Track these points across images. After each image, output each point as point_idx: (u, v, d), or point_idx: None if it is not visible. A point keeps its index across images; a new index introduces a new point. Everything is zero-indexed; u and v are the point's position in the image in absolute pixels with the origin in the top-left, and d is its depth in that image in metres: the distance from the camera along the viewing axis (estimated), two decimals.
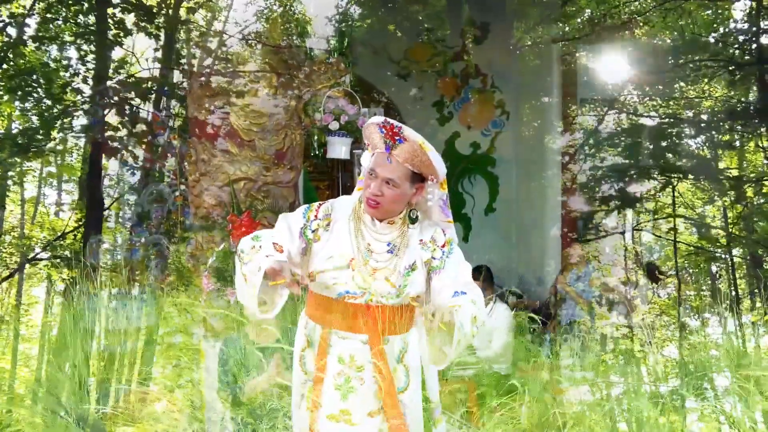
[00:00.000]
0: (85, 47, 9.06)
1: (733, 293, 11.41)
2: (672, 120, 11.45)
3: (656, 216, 12.30)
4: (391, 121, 2.45)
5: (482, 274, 5.58)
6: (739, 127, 11.38)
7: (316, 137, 6.25)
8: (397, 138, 2.44)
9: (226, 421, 3.90)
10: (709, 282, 12.36)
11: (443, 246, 2.54)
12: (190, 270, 5.81)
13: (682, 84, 11.57)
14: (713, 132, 11.64)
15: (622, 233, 11.66)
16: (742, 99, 11.10)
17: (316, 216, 2.56)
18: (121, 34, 8.89)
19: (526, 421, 3.36)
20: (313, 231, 2.54)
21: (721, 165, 12.78)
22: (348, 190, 7.03)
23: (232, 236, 5.52)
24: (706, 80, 11.34)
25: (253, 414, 3.76)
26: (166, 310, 5.25)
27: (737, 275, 12.26)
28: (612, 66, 11.27)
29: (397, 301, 2.47)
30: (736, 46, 10.72)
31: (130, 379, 4.55)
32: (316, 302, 2.52)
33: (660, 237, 12.74)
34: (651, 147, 11.23)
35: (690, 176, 11.84)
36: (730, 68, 10.67)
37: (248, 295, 2.42)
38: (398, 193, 2.48)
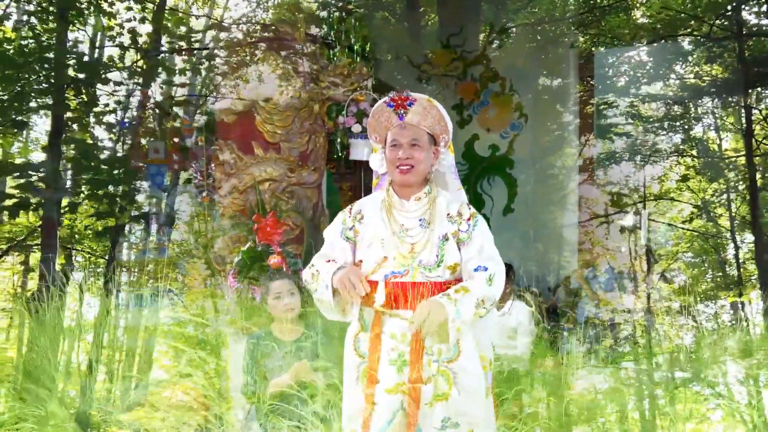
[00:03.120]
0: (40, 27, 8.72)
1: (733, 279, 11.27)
2: (670, 102, 11.36)
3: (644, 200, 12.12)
4: (397, 92, 2.71)
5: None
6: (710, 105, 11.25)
7: (339, 140, 6.38)
8: (407, 102, 2.69)
9: (252, 416, 3.98)
10: (711, 268, 12.19)
11: (468, 219, 2.66)
12: (216, 268, 5.95)
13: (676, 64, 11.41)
14: (715, 111, 11.52)
15: (615, 214, 11.58)
16: (721, 75, 10.94)
17: (350, 214, 2.77)
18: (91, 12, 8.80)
19: (544, 415, 3.44)
20: (351, 228, 2.74)
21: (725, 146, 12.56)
22: (370, 190, 7.14)
23: (258, 236, 5.66)
24: (691, 57, 11.15)
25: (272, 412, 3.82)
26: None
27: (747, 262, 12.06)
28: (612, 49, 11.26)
29: (439, 274, 2.61)
30: (714, 20, 10.37)
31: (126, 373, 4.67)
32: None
33: (657, 222, 12.56)
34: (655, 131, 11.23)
35: (686, 158, 11.73)
36: (708, 44, 10.53)
37: (332, 312, 2.71)
38: (425, 154, 2.68)
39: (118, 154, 8.61)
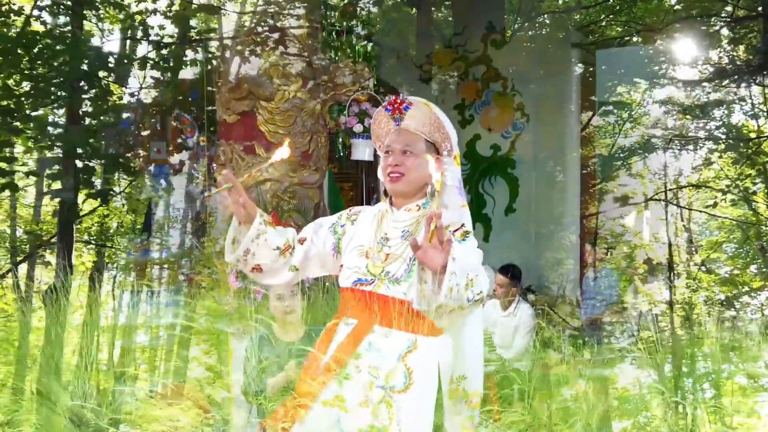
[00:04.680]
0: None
1: None
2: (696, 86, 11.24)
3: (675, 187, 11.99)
4: (395, 96, 2.56)
5: (510, 272, 5.63)
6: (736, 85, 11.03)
7: (340, 140, 6.38)
8: (403, 106, 2.52)
9: (253, 416, 3.99)
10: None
11: (455, 231, 2.37)
12: (218, 268, 5.94)
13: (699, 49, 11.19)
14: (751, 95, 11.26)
15: (644, 202, 11.49)
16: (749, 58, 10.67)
17: (348, 213, 2.65)
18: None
19: (545, 415, 3.43)
20: (342, 226, 2.61)
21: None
22: (371, 190, 7.18)
23: None
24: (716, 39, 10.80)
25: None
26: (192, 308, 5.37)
27: None
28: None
29: (405, 291, 2.38)
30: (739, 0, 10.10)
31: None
32: (341, 296, 2.54)
33: (681, 207, 12.42)
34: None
35: (709, 143, 11.59)
36: (732, 25, 10.29)
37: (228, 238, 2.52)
38: (418, 162, 2.46)
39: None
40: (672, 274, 10.74)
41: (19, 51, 7.73)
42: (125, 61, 8.53)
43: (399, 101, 2.53)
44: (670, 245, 11.33)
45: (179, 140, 7.24)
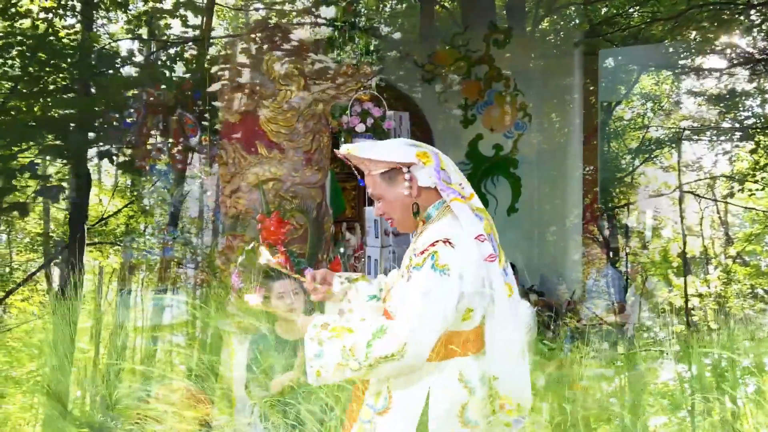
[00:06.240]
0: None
1: None
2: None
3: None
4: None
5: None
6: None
7: (342, 139, 6.38)
8: (347, 161, 2.48)
9: (255, 415, 3.99)
10: None
11: (421, 253, 2.25)
12: (220, 268, 5.96)
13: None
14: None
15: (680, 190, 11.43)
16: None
17: None
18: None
19: (547, 417, 3.43)
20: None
21: None
22: None
23: (261, 235, 5.66)
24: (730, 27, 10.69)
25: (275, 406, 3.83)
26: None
27: None
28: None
29: (386, 307, 2.41)
30: None
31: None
32: None
33: (703, 197, 12.33)
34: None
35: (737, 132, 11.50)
36: (747, 12, 10.12)
37: None
38: (388, 202, 2.41)
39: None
40: (687, 268, 10.73)
41: (39, 55, 7.76)
42: (128, 60, 8.53)
43: (342, 155, 2.48)
44: (684, 238, 11.30)
45: (181, 140, 7.24)
